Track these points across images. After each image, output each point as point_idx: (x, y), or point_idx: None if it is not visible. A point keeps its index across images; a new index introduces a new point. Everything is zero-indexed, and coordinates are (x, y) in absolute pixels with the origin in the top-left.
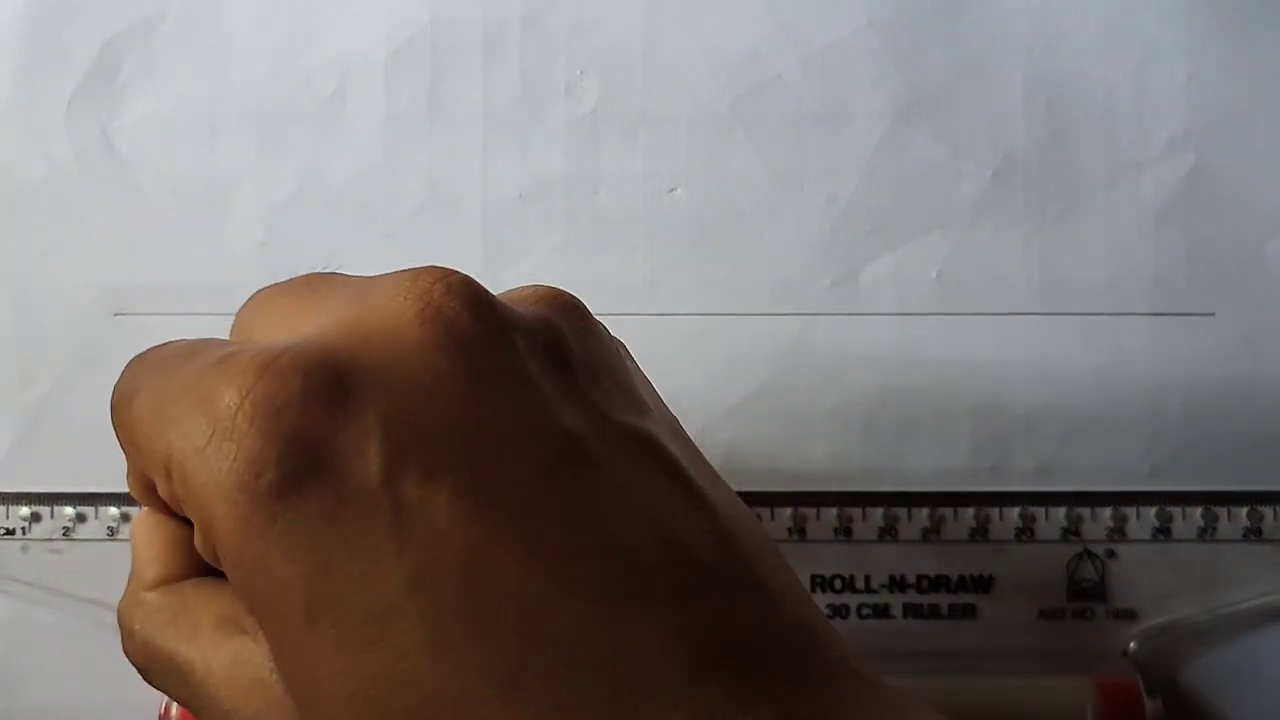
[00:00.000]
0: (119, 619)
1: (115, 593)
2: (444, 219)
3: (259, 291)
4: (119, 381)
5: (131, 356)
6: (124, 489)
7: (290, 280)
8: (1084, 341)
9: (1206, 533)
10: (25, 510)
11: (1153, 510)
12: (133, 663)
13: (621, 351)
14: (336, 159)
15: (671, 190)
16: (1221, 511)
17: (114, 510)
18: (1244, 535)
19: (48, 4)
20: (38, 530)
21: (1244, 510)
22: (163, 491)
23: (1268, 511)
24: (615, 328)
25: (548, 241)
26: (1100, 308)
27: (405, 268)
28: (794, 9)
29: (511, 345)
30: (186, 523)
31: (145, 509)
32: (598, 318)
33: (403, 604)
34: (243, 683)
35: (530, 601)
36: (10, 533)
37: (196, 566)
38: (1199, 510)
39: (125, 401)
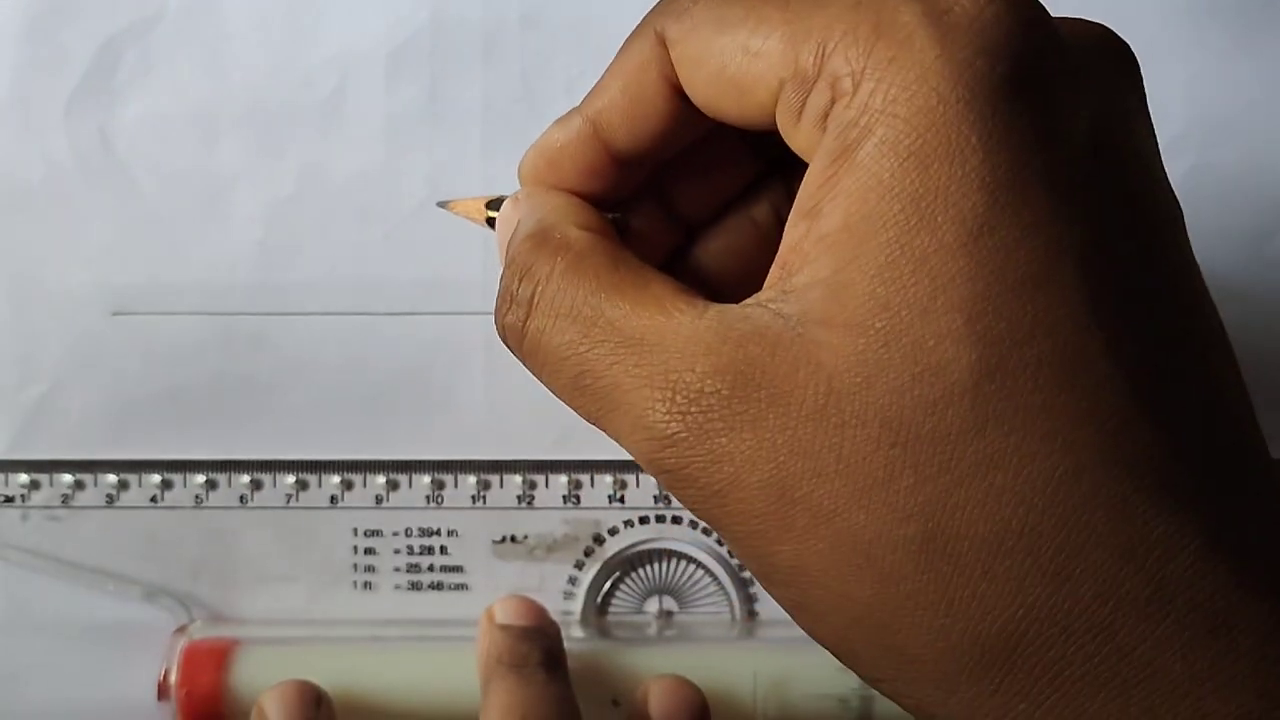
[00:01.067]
0: (515, 261)
1: (115, 561)
2: (444, 219)
3: None
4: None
5: (127, 354)
6: (123, 456)
7: None
8: None
9: None
10: (24, 478)
11: None
12: (526, 320)
13: None
14: (336, 159)
15: None
16: None
17: (112, 478)
18: None
19: (47, 3)
20: (37, 498)
21: None
22: (775, 81)
23: None
24: None
25: None
26: None
27: None
28: None
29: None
30: None
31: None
32: None
33: (1076, 255)
34: (730, 340)
35: (1172, 317)
36: (9, 500)
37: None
38: None
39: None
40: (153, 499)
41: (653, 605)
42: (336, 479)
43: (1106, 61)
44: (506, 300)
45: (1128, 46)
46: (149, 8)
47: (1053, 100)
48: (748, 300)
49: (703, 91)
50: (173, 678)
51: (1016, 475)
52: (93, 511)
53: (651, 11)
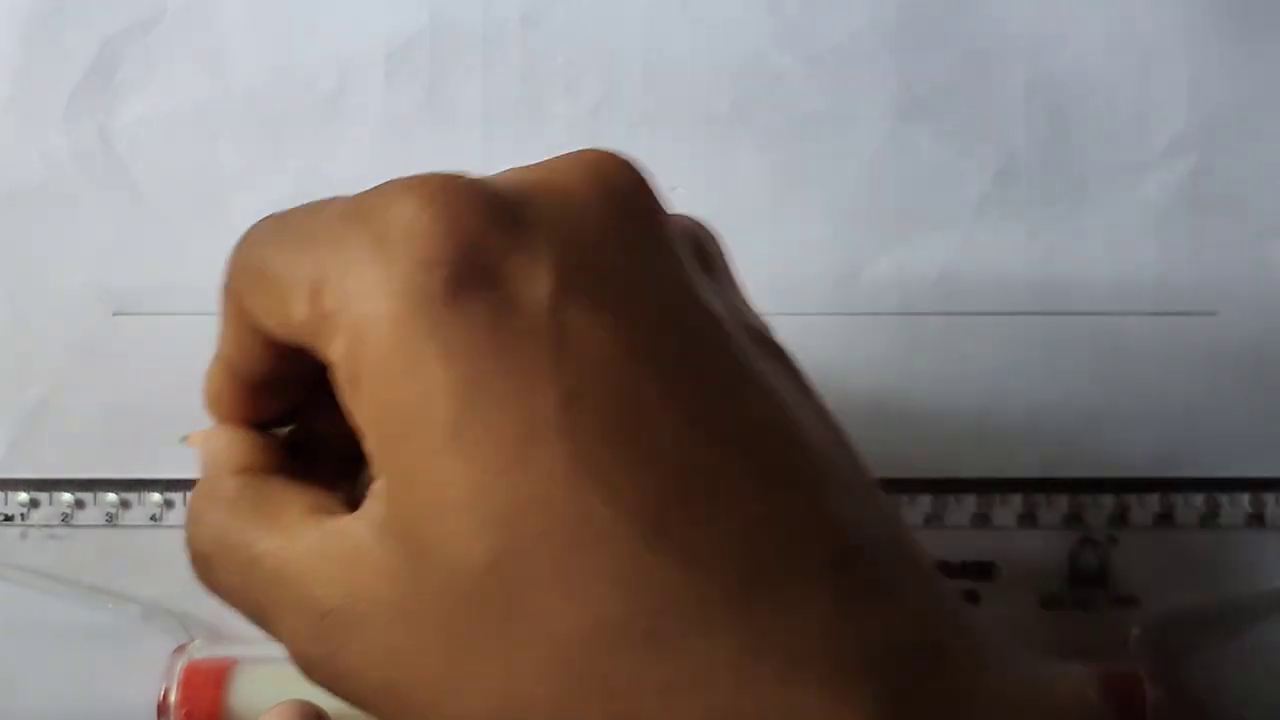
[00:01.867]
0: (190, 505)
1: (116, 580)
2: None
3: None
4: (241, 243)
5: (128, 355)
6: (123, 475)
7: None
8: (1086, 341)
9: (1209, 519)
10: (24, 496)
11: (1155, 497)
12: (193, 553)
13: None
14: (336, 159)
15: (672, 190)
16: (1224, 498)
17: (112, 496)
18: (1246, 522)
19: (47, 3)
20: (36, 516)
21: (1246, 497)
22: (298, 317)
23: (1270, 498)
24: None
25: None
26: (1102, 307)
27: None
28: (796, 9)
29: (668, 227)
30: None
31: (217, 425)
32: None
33: (554, 421)
34: (333, 558)
35: (684, 446)
36: (9, 519)
37: (281, 466)
38: (1201, 497)
39: (252, 246)
40: (153, 518)
41: None
42: None
43: (573, 207)
44: (189, 542)
45: (617, 170)
46: (149, 8)
47: (502, 280)
48: (358, 511)
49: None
50: (172, 697)
51: (539, 635)
52: (93, 530)
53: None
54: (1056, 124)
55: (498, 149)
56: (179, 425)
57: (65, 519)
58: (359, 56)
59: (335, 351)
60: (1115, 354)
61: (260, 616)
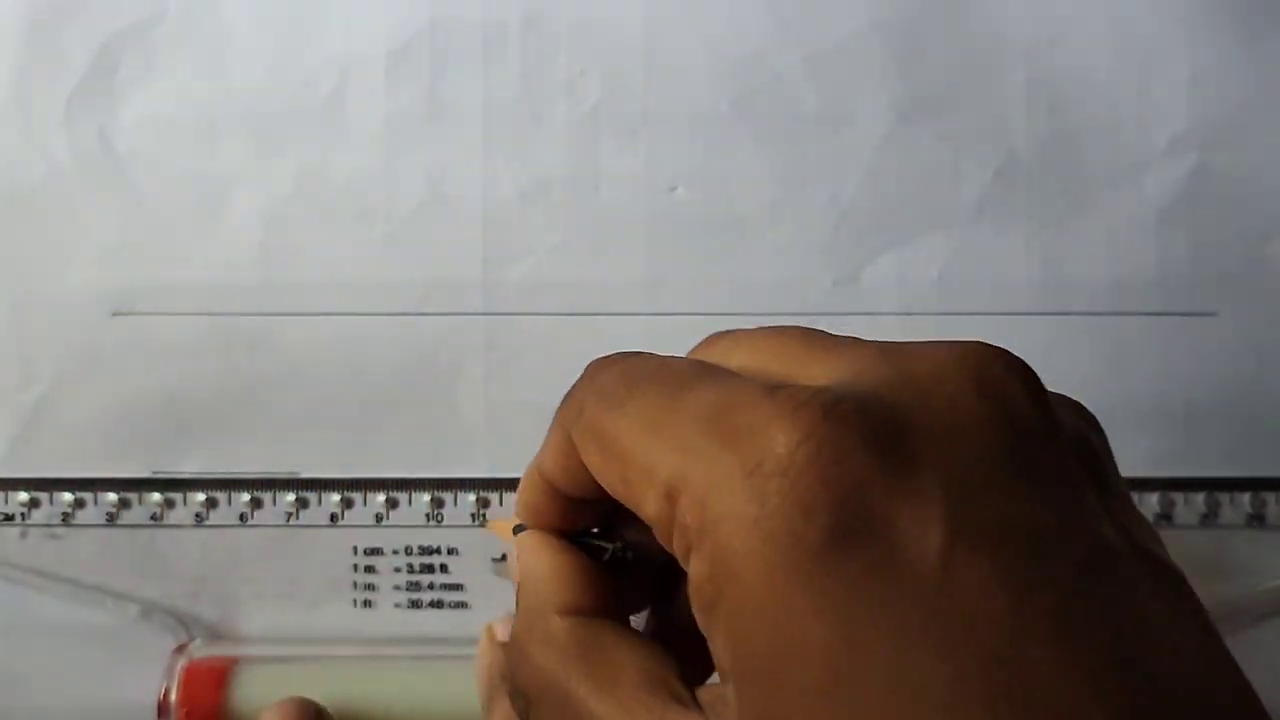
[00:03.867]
0: (515, 638)
1: (115, 579)
2: (444, 219)
3: (721, 333)
4: (590, 380)
5: (128, 355)
6: (123, 474)
7: (774, 329)
8: (1086, 341)
9: (1209, 519)
10: (24, 496)
11: (1155, 496)
12: (513, 686)
13: None
14: (336, 159)
15: (672, 190)
16: (1224, 498)
17: (112, 496)
18: (1246, 522)
19: (47, 4)
20: (36, 516)
21: (1246, 497)
22: (648, 507)
23: (1270, 498)
24: (615, 328)
25: (548, 241)
26: (1102, 307)
27: (937, 340)
28: (795, 9)
29: (1064, 443)
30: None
31: (535, 531)
32: (608, 316)
33: (941, 698)
34: None
35: (1062, 714)
36: (9, 519)
37: (608, 606)
38: (1201, 496)
39: (602, 401)
40: (153, 517)
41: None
42: (336, 497)
43: (963, 432)
44: (512, 677)
45: (1005, 377)
46: (149, 8)
47: (888, 530)
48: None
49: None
50: (173, 696)
51: None
52: (93, 530)
53: (576, 390)
54: (1056, 124)
55: (498, 149)
56: (179, 425)
57: (65, 519)
58: (359, 56)
59: (694, 569)
60: (1115, 354)
61: None
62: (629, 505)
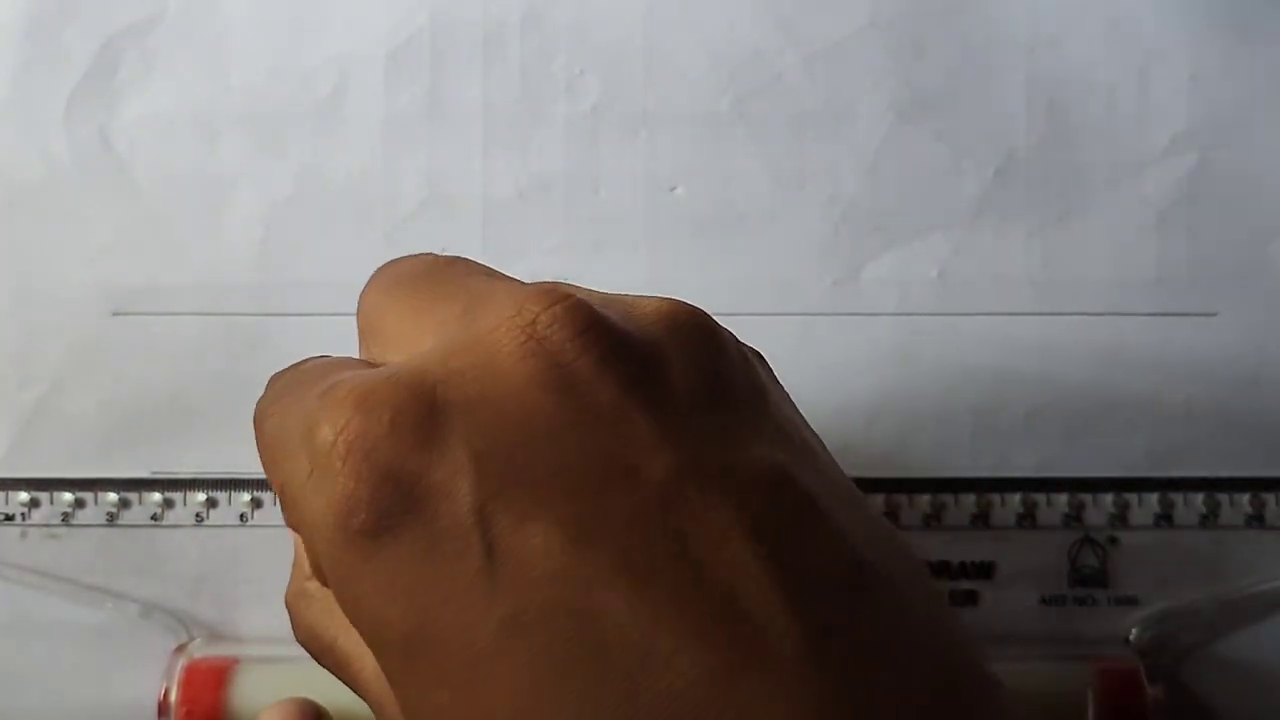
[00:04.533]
0: (286, 606)
1: (115, 579)
2: (444, 219)
3: (383, 272)
4: (260, 399)
5: (128, 355)
6: (123, 474)
7: (416, 263)
8: (1086, 341)
9: (1209, 519)
10: (24, 496)
11: (1155, 497)
12: (303, 648)
13: (753, 369)
14: (336, 158)
15: (672, 189)
16: (1224, 498)
17: (113, 496)
18: (1246, 522)
19: (47, 3)
20: (36, 516)
21: (1246, 497)
22: (286, 519)
23: (1270, 498)
24: None
25: (548, 241)
26: (1102, 307)
27: (527, 282)
28: (795, 8)
29: (616, 377)
30: None
31: None
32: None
33: (499, 648)
34: (385, 684)
35: (641, 651)
36: (9, 519)
37: None
38: (1201, 496)
39: (257, 424)
40: (153, 517)
41: None
42: None
43: (496, 390)
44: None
45: (549, 326)
46: (149, 8)
47: (424, 503)
48: None
49: None
50: (173, 696)
51: None
52: (93, 530)
53: None
54: (1056, 124)
55: (498, 149)
56: (179, 425)
57: (65, 519)
58: (359, 56)
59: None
60: (1115, 354)
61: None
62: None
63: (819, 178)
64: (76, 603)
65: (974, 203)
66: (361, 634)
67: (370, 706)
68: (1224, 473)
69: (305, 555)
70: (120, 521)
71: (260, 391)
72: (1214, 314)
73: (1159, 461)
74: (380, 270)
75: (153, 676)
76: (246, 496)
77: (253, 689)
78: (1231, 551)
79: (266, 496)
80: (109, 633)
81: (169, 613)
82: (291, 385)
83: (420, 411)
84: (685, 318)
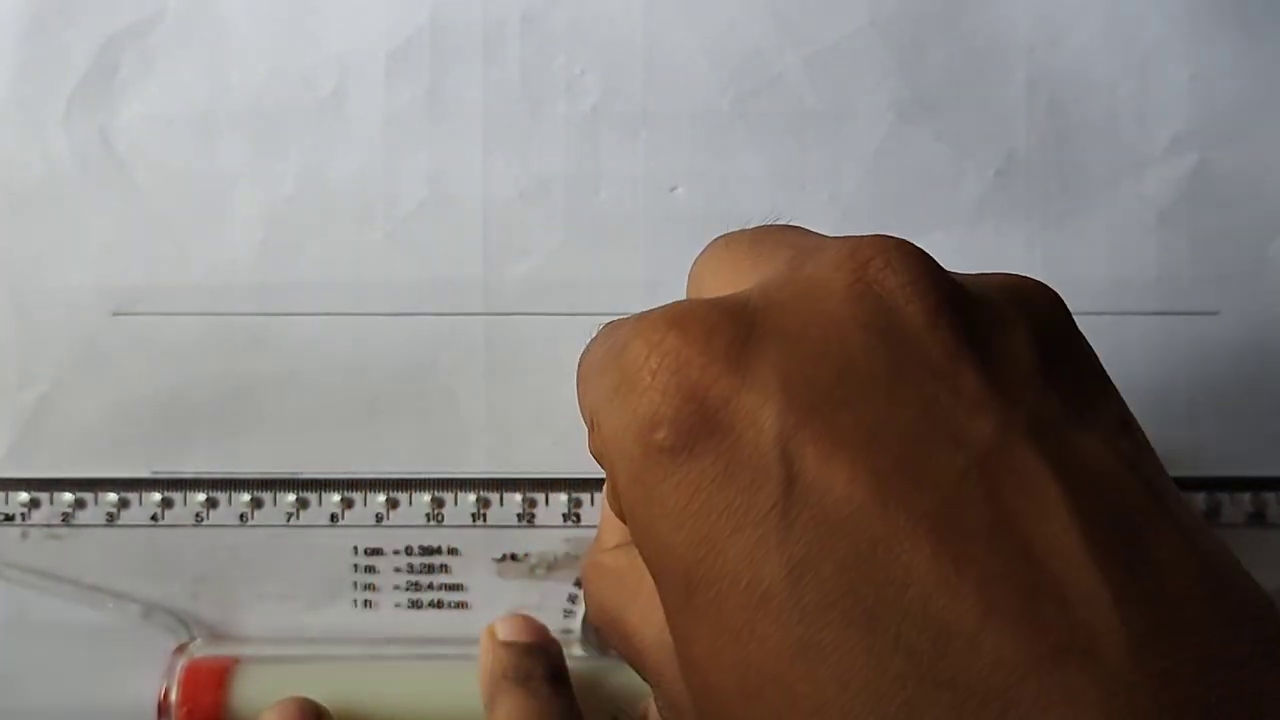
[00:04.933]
0: (582, 576)
1: (116, 579)
2: (444, 218)
3: (714, 240)
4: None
5: (128, 355)
6: (123, 474)
7: (744, 231)
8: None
9: (1209, 519)
10: (24, 496)
11: None
12: (594, 621)
13: (1098, 358)
14: (336, 158)
15: (672, 189)
16: (1224, 497)
17: (113, 496)
18: (1247, 521)
19: (47, 4)
20: (37, 516)
21: (1246, 496)
22: (591, 444)
23: (1270, 498)
24: None
25: (548, 241)
26: (1103, 307)
27: (855, 235)
28: (795, 8)
29: (950, 329)
30: None
31: None
32: (607, 316)
33: (780, 594)
34: (666, 650)
35: (939, 622)
36: (9, 519)
37: None
38: (1202, 496)
39: (582, 357)
40: (153, 517)
41: None
42: (337, 497)
43: (818, 325)
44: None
45: (881, 273)
46: (149, 8)
47: (729, 427)
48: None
49: None
50: (173, 696)
51: None
52: (93, 530)
53: None
54: (1057, 123)
55: (498, 149)
56: (179, 425)
57: (65, 519)
58: (359, 56)
59: (607, 488)
60: (1115, 354)
61: (644, 678)
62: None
63: (819, 178)
64: (77, 603)
65: (974, 203)
66: (647, 562)
67: (649, 680)
68: (1224, 472)
69: (607, 529)
70: (120, 521)
71: (260, 392)
72: (1215, 313)
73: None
74: (712, 241)
75: (153, 676)
76: (246, 496)
77: (253, 689)
78: (1232, 551)
79: (266, 496)
80: (109, 633)
81: (169, 613)
82: (612, 326)
83: (737, 334)
84: (1034, 288)
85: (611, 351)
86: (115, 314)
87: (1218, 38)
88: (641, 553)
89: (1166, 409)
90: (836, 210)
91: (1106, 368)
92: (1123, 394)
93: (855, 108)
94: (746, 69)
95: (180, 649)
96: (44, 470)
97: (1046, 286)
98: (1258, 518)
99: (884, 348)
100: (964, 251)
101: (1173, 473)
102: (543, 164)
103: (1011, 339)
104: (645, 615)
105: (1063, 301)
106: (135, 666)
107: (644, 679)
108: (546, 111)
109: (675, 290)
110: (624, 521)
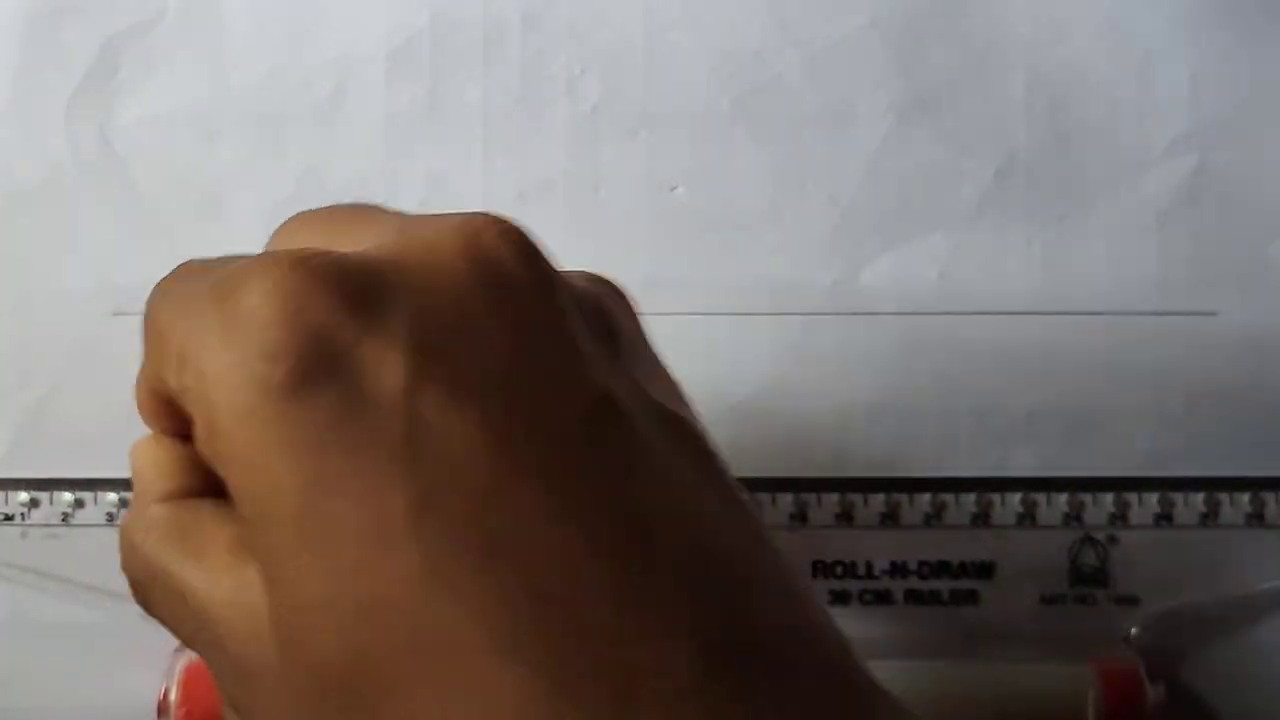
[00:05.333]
0: (121, 533)
1: (115, 579)
2: None
3: (297, 214)
4: (160, 281)
5: (128, 355)
6: (124, 475)
7: (324, 207)
8: (1086, 341)
9: (1209, 518)
10: (24, 496)
11: (1155, 496)
12: (129, 579)
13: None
14: (336, 159)
15: (672, 190)
16: (1224, 497)
17: (113, 496)
18: (1246, 521)
19: (47, 3)
20: (36, 516)
21: (1246, 496)
22: (173, 384)
23: (1270, 497)
24: None
25: (548, 241)
26: (1103, 307)
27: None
28: (795, 8)
29: (556, 301)
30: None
31: (150, 433)
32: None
33: (403, 526)
34: (243, 608)
35: (546, 552)
36: (9, 519)
37: (210, 487)
38: (1201, 496)
39: (154, 294)
40: None
41: None
42: None
43: (441, 284)
44: (124, 568)
45: (495, 240)
46: (149, 8)
47: (351, 370)
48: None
49: None
50: (173, 696)
51: None
52: (93, 530)
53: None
54: (1056, 124)
55: (498, 149)
56: None
57: (65, 519)
58: (359, 56)
59: (196, 432)
60: (1115, 354)
61: (192, 647)
62: (168, 388)
63: (820, 177)
64: (76, 603)
65: (974, 203)
66: (249, 505)
67: (201, 649)
68: (1224, 472)
69: (154, 479)
70: (120, 521)
71: None
72: (1214, 314)
73: (1159, 461)
74: (290, 217)
75: (153, 676)
76: None
77: None
78: (1231, 551)
79: None
80: (109, 633)
81: None
82: (198, 266)
83: (365, 282)
84: (617, 286)
85: (221, 288)
86: (115, 314)
87: (1218, 38)
88: (241, 497)
89: (1166, 409)
90: (837, 210)
91: (1107, 367)
92: (1122, 394)
93: (855, 108)
94: (746, 69)
95: (180, 649)
96: (44, 470)
97: (617, 281)
98: (1257, 518)
99: (502, 306)
100: (964, 251)
101: (1172, 472)
102: (543, 164)
103: (608, 320)
104: (215, 572)
105: (631, 294)
106: (135, 666)
107: (191, 647)
108: (546, 112)
109: (674, 290)
110: (216, 467)
